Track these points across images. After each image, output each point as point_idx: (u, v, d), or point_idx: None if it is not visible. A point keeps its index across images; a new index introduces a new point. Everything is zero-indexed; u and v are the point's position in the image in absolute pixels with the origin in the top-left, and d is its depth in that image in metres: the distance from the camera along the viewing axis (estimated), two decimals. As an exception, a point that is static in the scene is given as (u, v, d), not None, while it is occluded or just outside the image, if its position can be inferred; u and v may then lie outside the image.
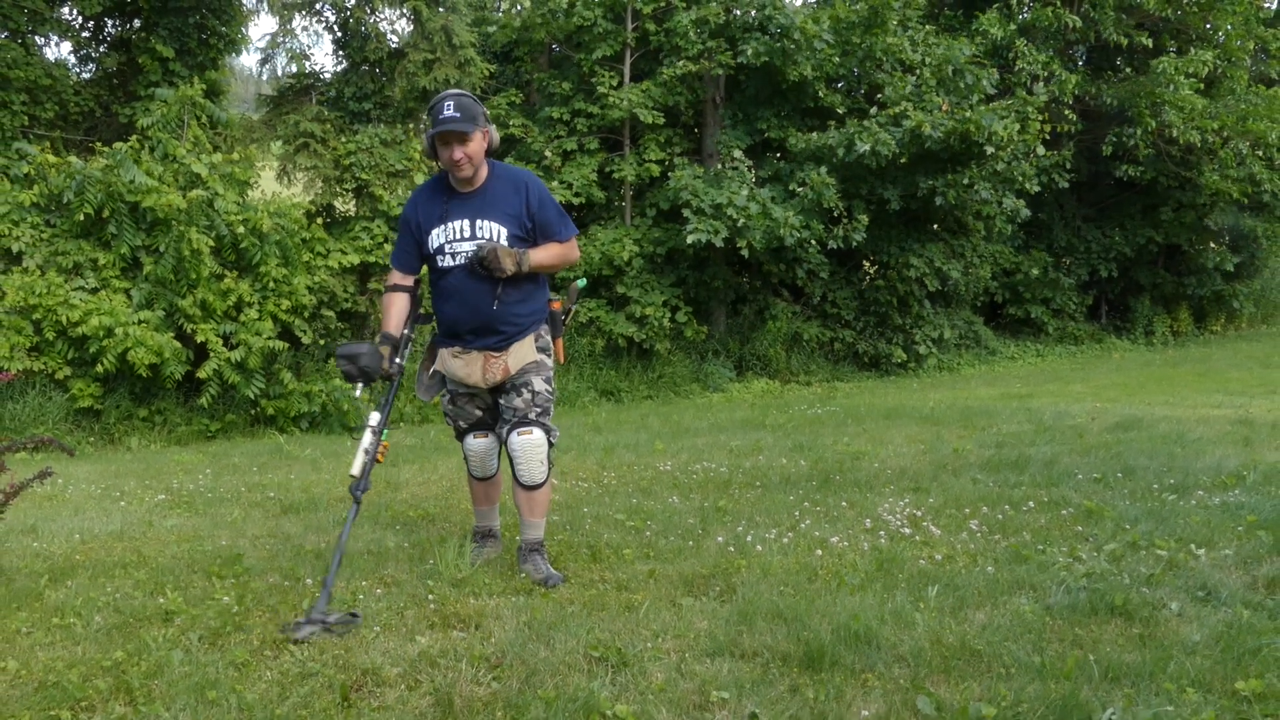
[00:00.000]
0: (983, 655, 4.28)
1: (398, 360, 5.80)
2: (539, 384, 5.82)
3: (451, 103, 5.54)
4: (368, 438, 5.54)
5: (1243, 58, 25.04)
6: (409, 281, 5.95)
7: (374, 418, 5.60)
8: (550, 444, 5.84)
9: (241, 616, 5.07)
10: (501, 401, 5.87)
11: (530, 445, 5.74)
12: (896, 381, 20.30)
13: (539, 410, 5.79)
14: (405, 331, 5.91)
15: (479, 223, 5.69)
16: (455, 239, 5.69)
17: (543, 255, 5.76)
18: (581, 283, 6.90)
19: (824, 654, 4.28)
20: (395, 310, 5.89)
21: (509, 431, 5.80)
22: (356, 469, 5.51)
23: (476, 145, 5.59)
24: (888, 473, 8.46)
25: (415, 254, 5.89)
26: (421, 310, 6.08)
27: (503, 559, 6.06)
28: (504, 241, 5.66)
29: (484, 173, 5.76)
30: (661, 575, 5.61)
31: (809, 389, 19.31)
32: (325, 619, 4.89)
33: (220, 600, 5.33)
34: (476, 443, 6.06)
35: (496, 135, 5.80)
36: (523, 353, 5.81)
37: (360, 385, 5.73)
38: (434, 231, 5.74)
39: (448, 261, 5.72)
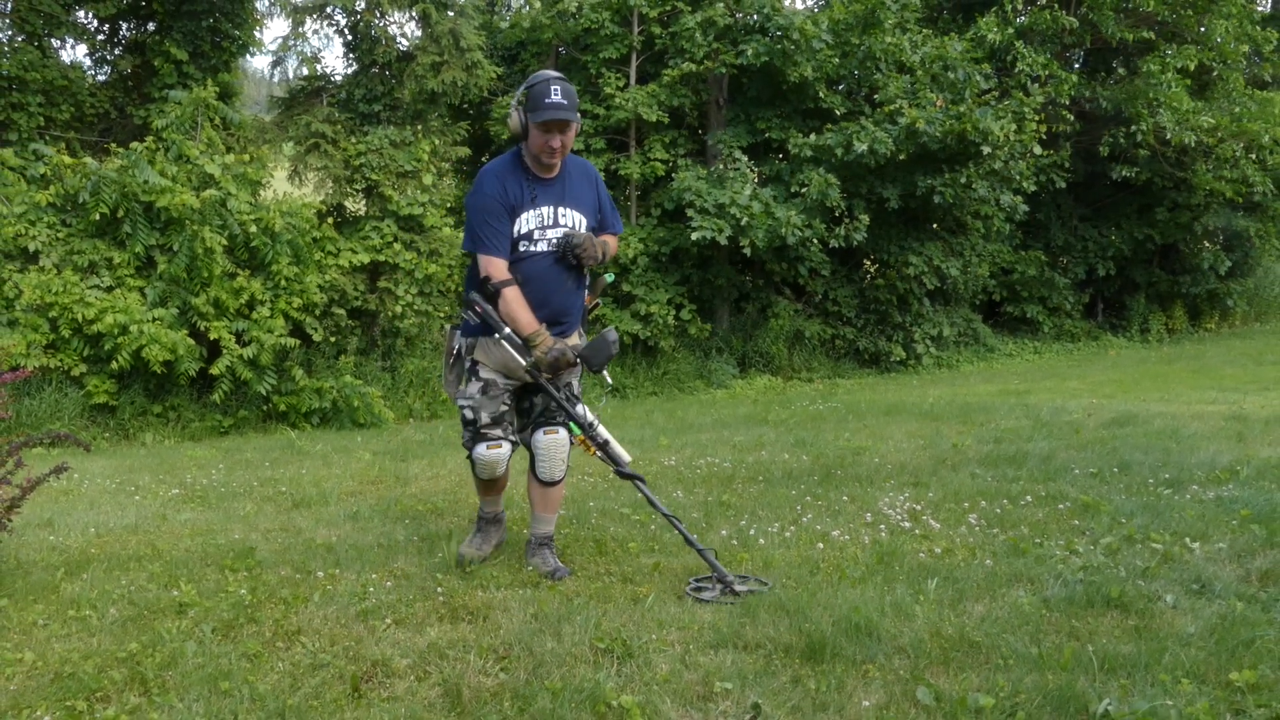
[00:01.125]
0: (981, 647, 4.28)
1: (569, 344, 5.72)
2: (576, 385, 5.88)
3: (559, 88, 5.38)
4: (601, 429, 5.76)
5: (1238, 59, 25.00)
6: (511, 273, 5.57)
7: (585, 411, 5.78)
8: (571, 443, 5.80)
9: (254, 609, 5.07)
10: (537, 400, 5.79)
11: (557, 444, 5.71)
12: (896, 378, 20.29)
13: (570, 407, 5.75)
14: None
15: (562, 210, 5.61)
16: (545, 224, 5.56)
17: (608, 248, 5.79)
18: (610, 276, 6.77)
19: (825, 645, 4.28)
20: (523, 303, 5.49)
21: (534, 430, 5.76)
22: (624, 454, 5.81)
23: (573, 134, 5.51)
24: (888, 468, 8.46)
25: (510, 235, 5.53)
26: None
27: (508, 554, 6.04)
28: (585, 231, 5.66)
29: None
30: (666, 568, 5.62)
31: (811, 385, 19.30)
32: (728, 581, 5.20)
33: (233, 593, 5.33)
34: (490, 454, 5.70)
35: (579, 127, 5.74)
36: (574, 343, 5.81)
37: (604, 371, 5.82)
38: (525, 215, 5.54)
39: (533, 248, 5.55)
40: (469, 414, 5.72)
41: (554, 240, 5.55)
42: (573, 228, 5.60)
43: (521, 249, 5.54)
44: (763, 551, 5.88)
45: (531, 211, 5.53)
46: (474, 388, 5.71)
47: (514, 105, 5.54)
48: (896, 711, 3.73)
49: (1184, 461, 8.09)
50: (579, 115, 5.48)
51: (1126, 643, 4.28)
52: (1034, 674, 3.97)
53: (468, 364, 5.77)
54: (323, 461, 10.19)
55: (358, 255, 16.58)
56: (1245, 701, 3.72)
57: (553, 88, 5.36)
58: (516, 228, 5.53)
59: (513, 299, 5.47)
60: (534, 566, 5.73)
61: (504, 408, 5.74)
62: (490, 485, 6.02)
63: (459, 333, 5.88)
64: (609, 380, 6.32)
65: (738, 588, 5.15)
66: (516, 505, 7.00)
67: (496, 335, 5.54)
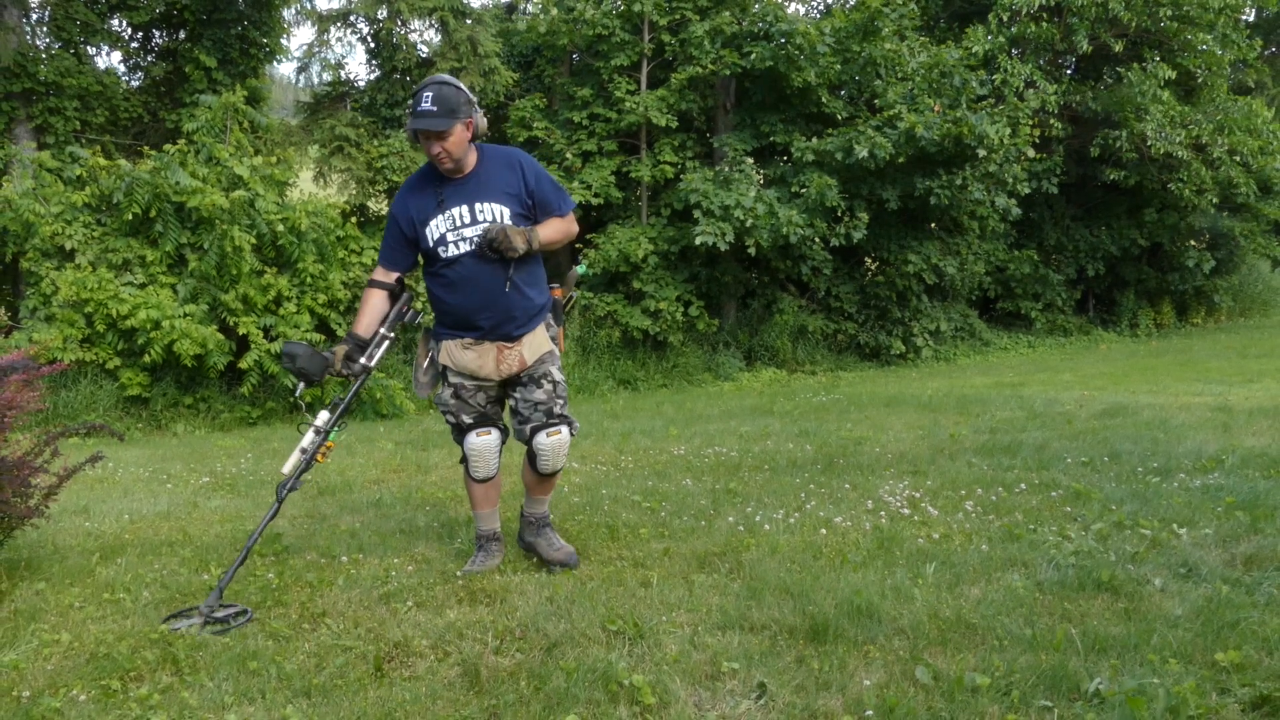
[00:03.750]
0: (977, 628, 4.27)
1: (362, 360, 5.36)
2: (556, 373, 5.43)
3: (430, 94, 5.02)
4: (309, 436, 5.17)
5: (1221, 67, 24.92)
6: (390, 279, 5.43)
7: (321, 417, 5.24)
8: (571, 435, 5.48)
9: (280, 592, 5.09)
10: (518, 394, 5.41)
11: (559, 444, 5.39)
12: (896, 371, 20.26)
13: (561, 401, 5.41)
14: (382, 330, 5.42)
15: (479, 206, 5.20)
16: (458, 225, 5.19)
17: (548, 231, 5.32)
18: (581, 269, 6.62)
19: (828, 627, 4.28)
20: (370, 309, 5.40)
21: (535, 431, 5.37)
22: (287, 467, 5.13)
23: (457, 138, 5.09)
24: (888, 457, 8.45)
25: (403, 250, 5.39)
26: (410, 309, 5.53)
27: (517, 549, 6.03)
28: (508, 221, 5.20)
29: (472, 158, 5.27)
30: (675, 553, 5.61)
31: (814, 378, 19.28)
32: (210, 613, 4.69)
33: (261, 577, 5.35)
34: (480, 440, 5.44)
35: (483, 121, 5.26)
36: (537, 342, 5.38)
37: (301, 384, 5.31)
38: (433, 222, 5.22)
39: (452, 250, 5.21)
40: (450, 418, 5.52)
41: (474, 239, 5.18)
42: (493, 220, 5.19)
43: (441, 254, 5.24)
44: (768, 537, 5.87)
45: (440, 216, 5.22)
46: (446, 393, 5.48)
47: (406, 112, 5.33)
48: (896, 690, 3.73)
49: (1172, 451, 8.07)
50: (460, 117, 5.07)
51: (1116, 624, 4.27)
52: (1028, 654, 3.97)
53: (440, 368, 5.49)
54: (346, 451, 10.20)
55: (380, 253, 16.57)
56: (1230, 681, 3.71)
57: (425, 95, 5.05)
58: (428, 236, 5.25)
59: (363, 301, 5.47)
60: (538, 548, 5.56)
61: (481, 408, 5.46)
62: (485, 490, 5.61)
63: (432, 337, 5.58)
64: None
65: (217, 614, 4.72)
66: (515, 505, 7.00)
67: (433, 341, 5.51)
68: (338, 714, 3.70)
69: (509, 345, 5.31)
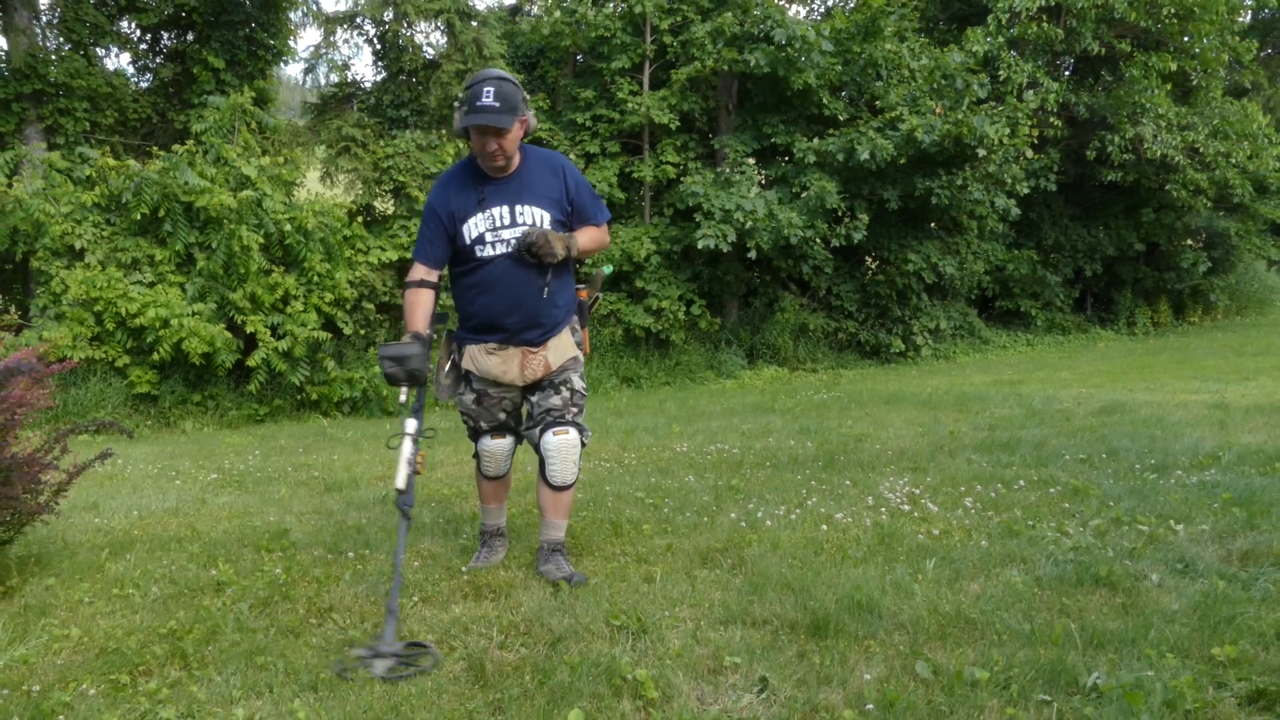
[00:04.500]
0: (977, 623, 4.27)
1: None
2: (577, 381, 5.24)
3: (491, 89, 4.82)
4: (408, 447, 4.85)
5: (1217, 68, 24.92)
6: (434, 277, 5.13)
7: (410, 424, 4.90)
8: (582, 444, 5.27)
9: (288, 587, 5.08)
10: (535, 399, 5.22)
11: (566, 445, 5.15)
12: (896, 369, 20.26)
13: (576, 410, 5.22)
14: (429, 332, 5.08)
15: (519, 208, 5.01)
16: (498, 226, 5.00)
17: (584, 240, 5.15)
18: (608, 269, 6.46)
19: (829, 622, 4.28)
20: (423, 308, 5.05)
21: (543, 431, 5.17)
22: (401, 482, 4.80)
23: (514, 136, 4.91)
24: (888, 453, 8.45)
25: (445, 247, 5.11)
26: (438, 308, 5.21)
27: (527, 538, 6.02)
28: (547, 226, 5.02)
29: (517, 158, 5.08)
30: (678, 549, 5.61)
31: (815, 376, 19.28)
32: (396, 650, 4.19)
33: (269, 572, 5.35)
34: (495, 444, 5.35)
35: (534, 120, 5.08)
36: (562, 347, 5.19)
37: (405, 389, 4.91)
38: (472, 220, 5.02)
39: (489, 251, 5.02)
40: (469, 421, 5.37)
41: (512, 241, 4.99)
42: (533, 224, 5.01)
43: (477, 253, 5.05)
44: (770, 533, 5.87)
45: (480, 215, 5.03)
46: (468, 398, 5.29)
47: (456, 105, 5.04)
48: (896, 684, 3.73)
49: (1169, 448, 8.06)
50: (520, 114, 4.91)
51: (1114, 619, 4.27)
52: (1027, 649, 3.97)
53: (463, 372, 5.28)
54: (353, 448, 10.20)
55: (386, 253, 16.60)
56: (1226, 675, 3.71)
57: (486, 90, 4.84)
58: (465, 234, 5.05)
59: (410, 301, 5.10)
60: (546, 574, 5.20)
61: (502, 416, 5.31)
62: (494, 487, 5.53)
63: (454, 340, 5.36)
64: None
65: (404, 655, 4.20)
66: (525, 508, 7.00)
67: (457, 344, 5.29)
68: (344, 708, 3.70)
69: (534, 350, 5.14)
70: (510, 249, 5.00)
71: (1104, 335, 24.96)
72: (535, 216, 5.02)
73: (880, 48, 20.02)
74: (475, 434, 5.42)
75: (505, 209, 5.01)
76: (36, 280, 14.16)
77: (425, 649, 4.25)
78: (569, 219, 5.16)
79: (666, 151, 19.70)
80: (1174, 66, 23.14)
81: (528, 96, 5.03)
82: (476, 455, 5.46)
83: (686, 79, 19.22)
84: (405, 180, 17.41)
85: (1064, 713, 3.50)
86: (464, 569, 5.32)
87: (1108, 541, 5.44)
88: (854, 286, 21.80)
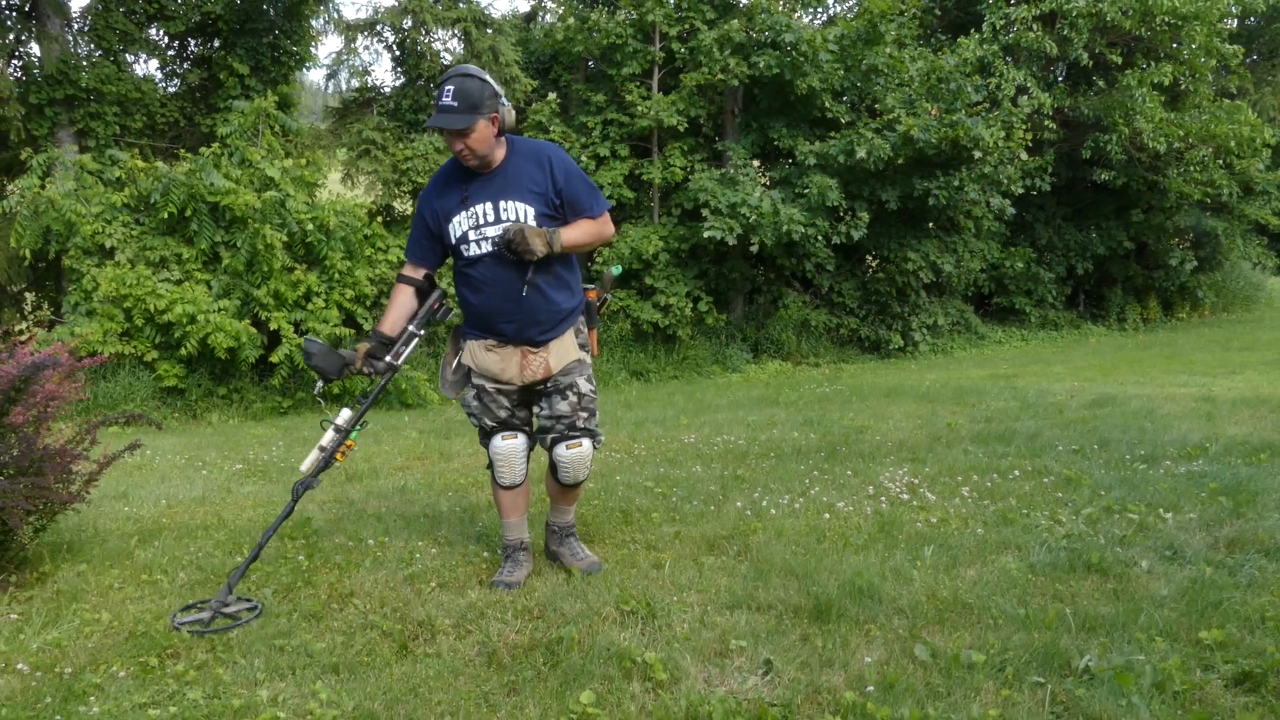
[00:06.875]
0: (973, 608, 4.27)
1: (387, 359, 4.93)
2: (584, 385, 4.94)
3: (451, 88, 4.55)
4: (329, 435, 4.85)
5: (1205, 73, 24.85)
6: (418, 274, 5.00)
7: (343, 415, 4.89)
8: (595, 448, 5.07)
9: (311, 573, 5.09)
10: (542, 405, 4.98)
11: (580, 458, 4.95)
12: (896, 363, 20.23)
13: (586, 414, 4.95)
14: (410, 328, 4.98)
15: (503, 204, 4.71)
16: (480, 224, 4.73)
17: (575, 234, 4.79)
18: (616, 269, 6.33)
19: (831, 607, 4.28)
20: (397, 306, 4.97)
21: (555, 443, 4.95)
22: (306, 465, 4.82)
23: (480, 135, 4.59)
24: (888, 445, 8.44)
25: (430, 246, 4.94)
26: (442, 306, 5.09)
27: (541, 524, 6.01)
28: (531, 221, 4.70)
29: (500, 153, 4.76)
30: (686, 536, 5.61)
31: (818, 370, 19.25)
32: (221, 607, 4.49)
33: (292, 559, 5.36)
34: (505, 444, 4.98)
35: (510, 115, 4.69)
36: (564, 350, 4.90)
37: (320, 382, 5.00)
38: (456, 219, 4.77)
39: (474, 250, 4.76)
40: (474, 420, 5.09)
41: (495, 239, 4.71)
42: (516, 220, 4.71)
43: (464, 252, 4.81)
44: (774, 521, 5.87)
45: (463, 213, 4.76)
46: (470, 394, 5.05)
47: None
48: (896, 667, 3.73)
49: (1158, 439, 8.05)
50: (484, 113, 4.59)
51: (1105, 604, 4.27)
52: (1021, 633, 3.97)
53: (466, 369, 5.05)
54: (373, 439, 10.21)
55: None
56: (1214, 658, 3.71)
57: (446, 90, 4.57)
58: (450, 233, 4.81)
59: (391, 298, 5.00)
60: (560, 557, 5.19)
61: (503, 413, 5.00)
62: (512, 498, 5.13)
63: (460, 336, 5.16)
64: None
65: (228, 609, 4.53)
66: (535, 498, 7.00)
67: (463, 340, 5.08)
68: (364, 689, 3.71)
69: (534, 351, 4.86)
70: (494, 247, 4.73)
71: (1095, 331, 24.91)
72: (518, 212, 4.73)
73: (880, 53, 19.98)
74: (485, 436, 5.12)
75: (489, 206, 4.75)
76: (68, 278, 14.18)
77: (253, 609, 4.51)
78: (559, 211, 4.82)
79: (674, 154, 19.67)
80: (1169, 81, 23.11)
81: (499, 90, 4.66)
82: (490, 465, 5.10)
83: (695, 85, 19.19)
84: (423, 182, 17.38)
85: (1057, 694, 3.50)
86: (490, 582, 4.93)
87: (1099, 529, 5.43)
88: (855, 284, 21.76)
